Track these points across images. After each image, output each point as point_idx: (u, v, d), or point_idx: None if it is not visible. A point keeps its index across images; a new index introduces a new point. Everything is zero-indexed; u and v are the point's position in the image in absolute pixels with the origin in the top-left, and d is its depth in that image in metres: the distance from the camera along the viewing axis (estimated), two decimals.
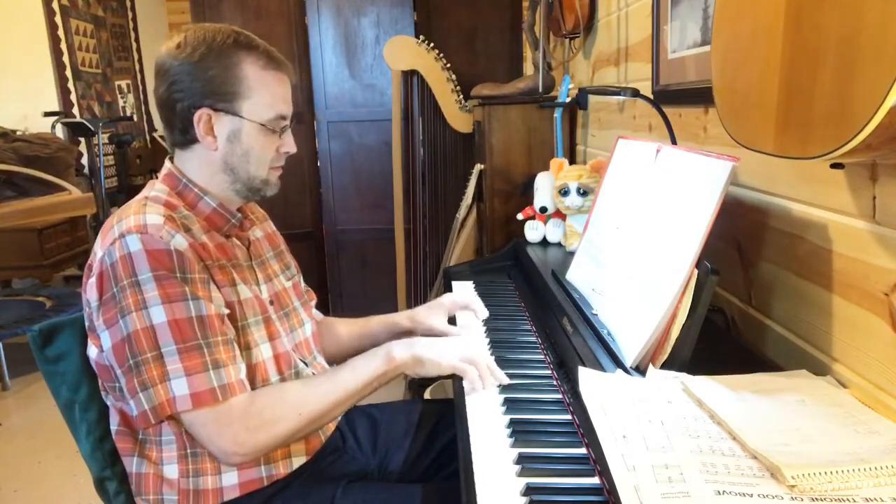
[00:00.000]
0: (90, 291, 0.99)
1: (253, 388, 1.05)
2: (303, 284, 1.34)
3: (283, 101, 1.10)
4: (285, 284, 1.24)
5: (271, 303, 1.15)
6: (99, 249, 0.99)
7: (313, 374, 1.19)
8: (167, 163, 1.12)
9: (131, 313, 0.94)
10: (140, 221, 0.97)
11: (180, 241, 0.98)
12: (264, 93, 1.07)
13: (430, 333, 1.36)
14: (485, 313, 1.37)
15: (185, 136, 1.07)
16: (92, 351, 1.05)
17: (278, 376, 1.11)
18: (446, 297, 1.41)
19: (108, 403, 1.08)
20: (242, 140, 1.07)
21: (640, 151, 1.25)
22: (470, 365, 1.06)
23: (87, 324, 1.04)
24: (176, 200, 1.07)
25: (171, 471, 1.03)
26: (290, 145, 1.13)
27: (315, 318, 1.37)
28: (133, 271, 0.94)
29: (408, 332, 1.40)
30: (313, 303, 1.37)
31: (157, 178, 1.13)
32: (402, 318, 1.39)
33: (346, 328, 1.42)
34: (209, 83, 1.03)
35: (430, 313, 1.37)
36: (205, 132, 1.05)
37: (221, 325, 0.99)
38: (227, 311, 1.02)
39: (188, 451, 1.03)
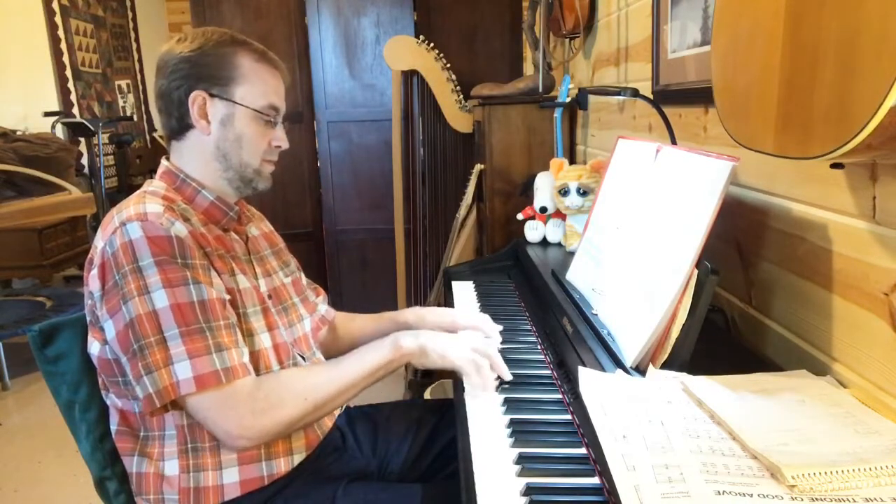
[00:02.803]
0: (92, 283, 1.00)
1: (256, 375, 1.06)
2: (304, 280, 1.35)
3: (276, 93, 1.14)
4: (284, 281, 1.25)
5: (269, 297, 1.16)
6: (100, 241, 1.01)
7: None
8: (163, 161, 1.15)
9: (133, 298, 0.95)
10: (140, 210, 0.99)
11: (180, 228, 1.00)
12: (257, 81, 1.11)
13: None
14: (497, 340, 1.23)
15: (180, 124, 1.10)
16: (94, 347, 1.05)
17: (279, 366, 1.11)
18: (459, 318, 1.31)
19: (108, 403, 1.08)
20: (235, 125, 1.10)
21: (640, 151, 1.25)
22: (473, 364, 1.05)
23: (88, 318, 1.05)
24: (174, 195, 1.09)
25: (172, 467, 1.03)
26: (282, 140, 1.16)
27: (327, 315, 1.37)
28: (134, 257, 0.96)
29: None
30: (321, 298, 1.38)
31: (153, 177, 1.14)
32: (410, 316, 1.38)
33: (359, 324, 1.42)
34: (205, 68, 1.08)
35: (439, 329, 1.27)
36: (199, 115, 1.09)
37: (223, 310, 1.00)
38: (228, 297, 1.03)
39: (188, 445, 1.03)
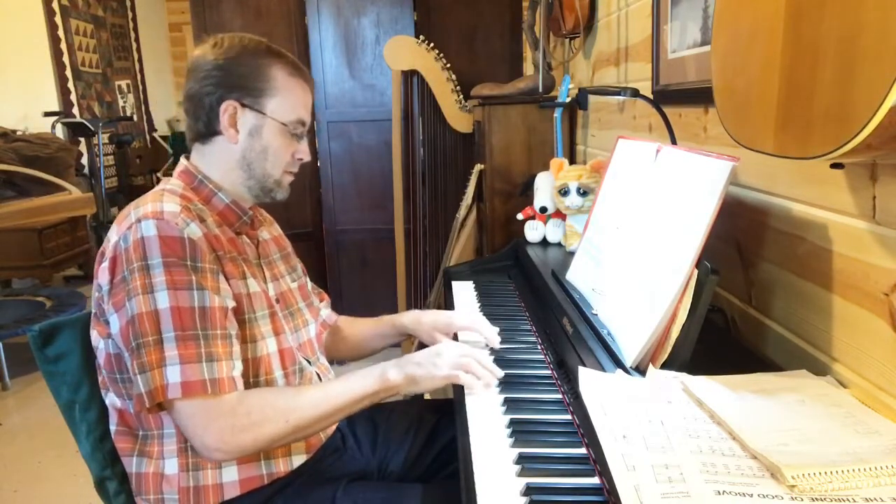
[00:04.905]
0: (102, 275, 1.01)
1: (256, 381, 1.06)
2: (310, 285, 1.35)
3: (304, 107, 1.15)
4: (291, 286, 1.25)
5: (277, 301, 1.16)
6: (114, 235, 1.01)
7: (316, 373, 1.20)
8: (182, 160, 1.16)
9: (138, 296, 0.96)
10: (157, 208, 1.00)
11: (195, 230, 1.00)
12: (289, 95, 1.12)
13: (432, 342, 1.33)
14: (495, 341, 1.23)
15: (208, 129, 1.11)
16: (98, 341, 1.05)
17: (282, 371, 1.11)
18: (456, 319, 1.32)
19: (107, 403, 1.09)
20: (263, 136, 1.11)
21: (640, 151, 1.25)
22: (462, 369, 1.06)
23: (93, 310, 1.06)
24: (191, 195, 1.10)
25: (172, 466, 1.04)
26: (305, 152, 1.18)
27: (328, 319, 1.37)
28: (144, 255, 0.96)
29: (408, 335, 1.40)
30: (325, 303, 1.38)
31: (163, 176, 1.14)
32: (407, 320, 1.37)
33: (360, 327, 1.42)
34: (239, 78, 1.09)
35: (435, 332, 1.31)
36: (228, 124, 1.10)
37: (223, 319, 1.00)
38: (232, 305, 1.03)
39: (188, 443, 1.03)
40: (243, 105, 1.09)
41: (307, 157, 1.18)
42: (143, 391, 0.95)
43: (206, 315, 0.97)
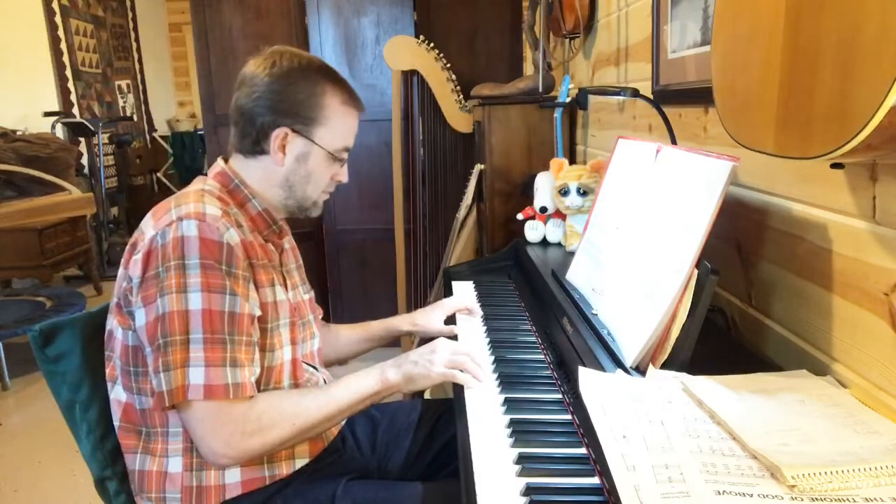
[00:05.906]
0: (133, 267, 1.01)
1: (266, 389, 1.08)
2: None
3: (352, 135, 1.17)
4: (303, 297, 1.27)
5: (294, 310, 1.17)
6: (151, 229, 1.01)
7: (324, 380, 1.21)
8: (220, 162, 1.16)
9: (171, 294, 0.96)
10: (200, 209, 1.01)
11: (233, 236, 1.01)
12: (339, 124, 1.14)
13: (431, 334, 1.37)
14: (474, 308, 1.45)
15: (255, 147, 1.12)
16: (117, 329, 1.05)
17: (291, 381, 1.13)
18: (446, 300, 1.45)
19: (112, 397, 1.08)
20: (309, 163, 1.13)
21: (640, 151, 1.25)
22: (457, 367, 1.08)
23: (115, 300, 1.06)
24: (226, 197, 1.11)
25: (175, 464, 1.04)
26: (343, 175, 1.21)
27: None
28: (182, 254, 0.97)
29: (408, 335, 1.42)
30: (319, 316, 1.39)
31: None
32: (402, 321, 1.43)
33: (346, 332, 1.44)
34: (294, 105, 1.10)
35: (430, 315, 1.40)
36: (277, 148, 1.11)
37: (249, 326, 1.01)
38: (258, 313, 1.05)
39: (193, 443, 1.03)
40: (294, 131, 1.10)
41: (345, 179, 1.21)
42: (164, 389, 0.95)
43: (234, 320, 0.98)
